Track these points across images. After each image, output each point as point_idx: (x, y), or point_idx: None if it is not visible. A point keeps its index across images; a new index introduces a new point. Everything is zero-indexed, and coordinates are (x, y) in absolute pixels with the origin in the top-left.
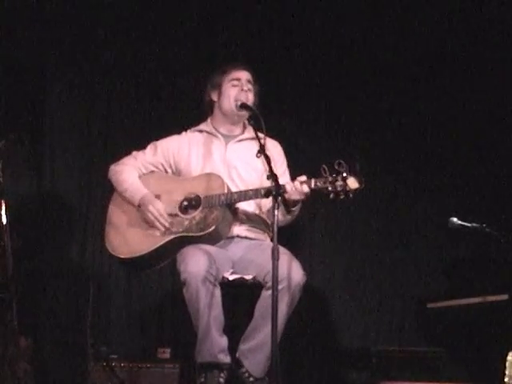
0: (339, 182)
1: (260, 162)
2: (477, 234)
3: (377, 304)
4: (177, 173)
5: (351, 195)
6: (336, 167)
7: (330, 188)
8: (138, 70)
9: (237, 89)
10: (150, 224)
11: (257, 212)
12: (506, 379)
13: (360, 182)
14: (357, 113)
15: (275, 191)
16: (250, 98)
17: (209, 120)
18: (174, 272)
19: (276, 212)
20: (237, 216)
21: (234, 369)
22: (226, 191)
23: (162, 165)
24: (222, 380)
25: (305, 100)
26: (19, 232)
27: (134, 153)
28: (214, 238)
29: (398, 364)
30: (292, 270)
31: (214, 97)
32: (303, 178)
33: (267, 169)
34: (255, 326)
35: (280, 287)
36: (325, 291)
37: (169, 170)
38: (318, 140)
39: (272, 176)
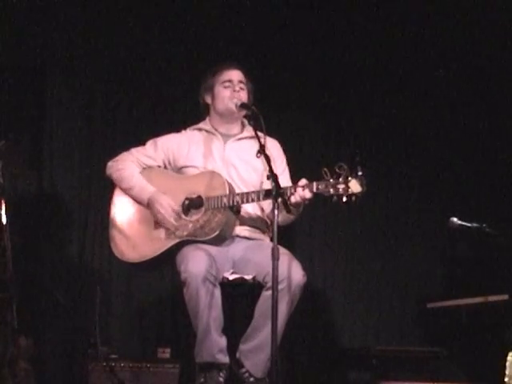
0: (341, 185)
1: (259, 162)
2: (477, 233)
3: (377, 304)
4: (175, 171)
5: (354, 199)
6: (337, 170)
7: (331, 191)
8: (137, 70)
9: (229, 90)
10: (156, 223)
11: (257, 212)
12: (506, 379)
13: (362, 185)
14: (356, 113)
15: (275, 192)
16: (242, 97)
17: (207, 119)
18: (174, 272)
19: (276, 212)
20: (238, 216)
21: (234, 369)
22: (227, 191)
23: (163, 161)
24: (221, 379)
25: (304, 99)
26: (19, 232)
27: (133, 149)
28: (218, 240)
29: (398, 364)
30: (292, 270)
31: (208, 99)
32: (304, 181)
33: (267, 168)
34: (255, 327)
35: (280, 287)
36: (325, 291)
37: (168, 167)
38: (316, 140)
39: (272, 176)
